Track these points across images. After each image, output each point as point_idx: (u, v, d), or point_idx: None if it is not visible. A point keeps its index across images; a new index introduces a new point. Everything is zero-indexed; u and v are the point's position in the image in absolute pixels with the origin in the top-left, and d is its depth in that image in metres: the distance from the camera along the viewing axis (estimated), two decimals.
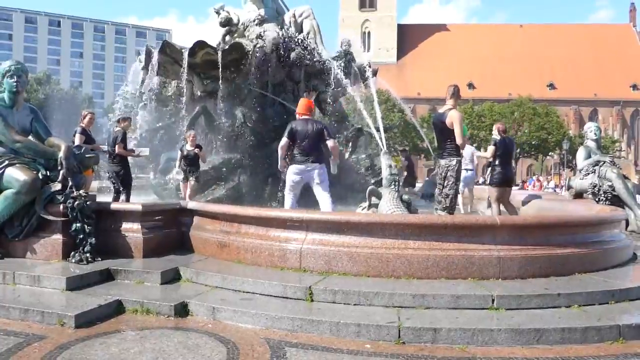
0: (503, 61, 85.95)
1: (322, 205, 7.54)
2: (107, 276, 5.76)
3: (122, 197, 9.71)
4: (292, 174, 7.61)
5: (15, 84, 6.69)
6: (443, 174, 7.26)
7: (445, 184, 7.30)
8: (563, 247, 5.88)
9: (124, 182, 9.76)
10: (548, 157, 72.74)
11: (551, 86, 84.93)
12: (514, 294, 4.95)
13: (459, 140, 7.45)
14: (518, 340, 4.30)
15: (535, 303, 4.91)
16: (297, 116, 7.93)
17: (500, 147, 9.41)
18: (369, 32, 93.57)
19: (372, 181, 11.61)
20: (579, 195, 10.96)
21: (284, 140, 7.63)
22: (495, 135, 9.68)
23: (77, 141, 9.82)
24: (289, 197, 7.65)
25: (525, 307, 4.87)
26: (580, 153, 11.22)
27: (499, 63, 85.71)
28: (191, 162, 10.51)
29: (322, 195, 7.63)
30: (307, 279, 5.34)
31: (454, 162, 7.49)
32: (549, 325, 4.41)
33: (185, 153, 10.47)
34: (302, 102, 8.09)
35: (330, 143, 7.71)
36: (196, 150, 10.53)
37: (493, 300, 4.86)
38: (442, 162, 7.25)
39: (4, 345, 4.06)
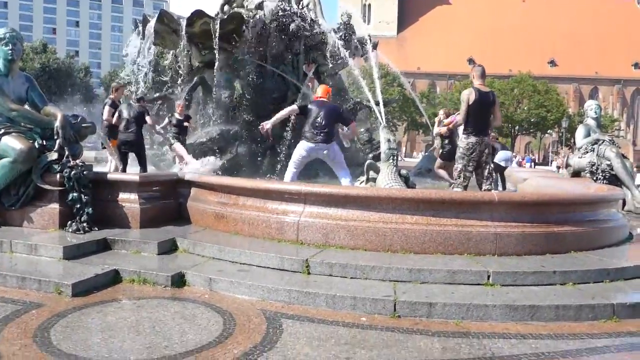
0: (504, 36, 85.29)
1: (342, 183, 7.66)
2: (104, 246, 5.76)
3: (120, 167, 9.65)
4: (300, 149, 7.64)
5: (10, 51, 6.58)
6: (487, 152, 7.16)
7: (487, 161, 7.22)
8: (560, 224, 5.89)
9: (138, 152, 9.65)
10: (546, 135, 72.75)
11: (552, 63, 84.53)
12: (509, 271, 4.98)
13: (499, 122, 7.56)
14: (512, 316, 4.33)
15: (531, 280, 4.94)
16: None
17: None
18: (369, 5, 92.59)
19: (370, 155, 11.59)
20: (576, 173, 10.98)
21: (294, 106, 7.84)
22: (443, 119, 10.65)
23: (105, 114, 9.76)
24: (291, 170, 7.64)
25: (520, 284, 4.90)
26: (580, 131, 11.20)
27: (500, 38, 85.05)
28: (180, 131, 10.48)
29: (342, 173, 7.79)
30: (304, 251, 5.35)
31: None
32: (544, 302, 4.44)
33: (174, 122, 10.42)
34: (322, 87, 8.28)
35: (351, 126, 8.01)
36: (185, 123, 10.47)
37: (489, 276, 4.88)
38: (486, 139, 7.16)
39: (2, 312, 4.07)
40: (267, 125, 7.71)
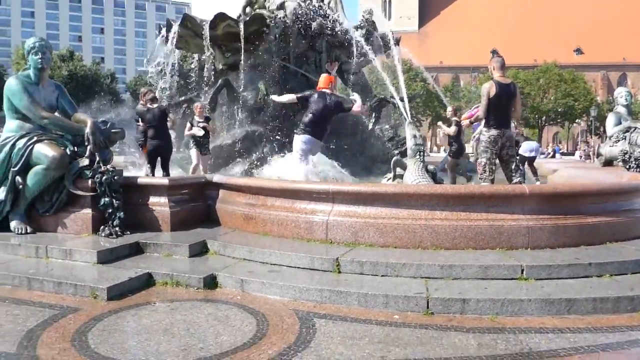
0: (528, 26, 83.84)
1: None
2: (137, 249, 5.85)
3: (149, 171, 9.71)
4: (302, 142, 7.68)
5: (40, 60, 6.73)
6: (509, 144, 7.08)
7: (511, 153, 7.14)
8: (593, 215, 5.79)
9: (164, 157, 9.66)
10: (575, 125, 71.35)
11: (578, 51, 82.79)
12: (543, 264, 4.90)
13: (519, 114, 7.50)
14: (548, 311, 4.26)
15: (566, 273, 4.86)
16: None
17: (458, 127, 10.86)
18: (389, 1, 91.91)
19: (396, 152, 11.52)
20: (608, 162, 10.73)
21: (292, 96, 8.02)
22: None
23: (171, 118, 9.84)
24: (302, 167, 7.62)
25: (555, 277, 4.81)
26: (610, 119, 10.94)
27: (523, 28, 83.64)
28: (202, 135, 10.46)
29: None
30: (334, 250, 5.34)
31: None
32: (580, 295, 4.36)
33: (195, 126, 10.40)
34: (324, 77, 8.24)
35: (356, 109, 7.95)
36: (204, 124, 10.47)
37: (522, 270, 4.81)
38: (508, 132, 7.08)
39: (40, 317, 4.16)
40: (276, 98, 8.26)
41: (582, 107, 62.83)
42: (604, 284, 4.65)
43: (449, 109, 11.54)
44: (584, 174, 9.96)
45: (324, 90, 7.91)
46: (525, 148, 12.34)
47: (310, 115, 7.72)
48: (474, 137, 14.45)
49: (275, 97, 8.34)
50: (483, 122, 7.17)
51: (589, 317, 4.17)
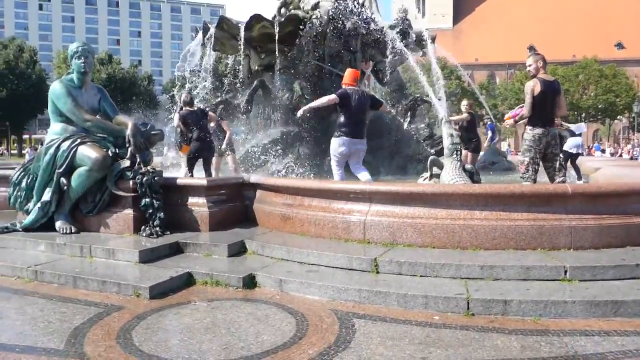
0: (566, 21, 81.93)
1: (362, 178, 7.51)
2: (177, 249, 5.95)
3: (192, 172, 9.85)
4: (340, 146, 7.45)
5: (82, 64, 6.92)
6: (554, 143, 6.94)
7: (555, 152, 7.00)
8: None
9: (207, 158, 9.76)
10: (616, 121, 69.42)
11: (619, 45, 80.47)
12: (588, 265, 4.77)
13: (564, 111, 7.30)
14: (594, 313, 4.15)
15: (612, 274, 4.72)
16: (343, 86, 7.70)
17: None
18: None
19: (432, 151, 11.43)
20: None
21: (333, 96, 7.44)
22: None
23: (175, 121, 9.92)
24: (337, 172, 7.53)
25: (600, 279, 4.68)
26: None
27: (561, 23, 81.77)
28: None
29: (360, 169, 7.65)
30: (372, 250, 5.33)
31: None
32: (627, 297, 4.23)
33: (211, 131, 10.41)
34: (349, 72, 7.93)
35: (384, 108, 8.20)
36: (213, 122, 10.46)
37: (566, 272, 4.70)
38: (553, 130, 6.95)
39: (86, 314, 4.27)
40: (303, 112, 7.69)
41: (623, 103, 61.15)
42: None
43: (464, 102, 11.70)
44: (629, 172, 9.67)
45: (351, 87, 7.65)
46: (571, 144, 12.05)
47: (347, 114, 7.45)
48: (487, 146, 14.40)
49: (311, 105, 7.72)
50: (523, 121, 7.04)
51: (637, 320, 4.04)
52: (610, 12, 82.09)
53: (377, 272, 4.96)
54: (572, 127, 12.09)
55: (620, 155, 36.40)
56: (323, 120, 11.49)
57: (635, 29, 79.94)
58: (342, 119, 7.50)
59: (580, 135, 12.43)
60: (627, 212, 5.58)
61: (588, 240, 5.32)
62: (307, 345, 3.60)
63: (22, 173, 7.02)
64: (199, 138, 9.34)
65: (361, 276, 4.89)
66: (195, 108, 9.73)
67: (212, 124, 9.99)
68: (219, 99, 12.70)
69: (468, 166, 8.62)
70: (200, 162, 9.69)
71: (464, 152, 10.80)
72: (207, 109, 9.97)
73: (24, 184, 6.91)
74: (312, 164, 11.04)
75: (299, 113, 7.69)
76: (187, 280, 5.09)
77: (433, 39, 13.59)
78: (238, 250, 5.89)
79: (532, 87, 6.70)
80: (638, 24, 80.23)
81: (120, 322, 4.09)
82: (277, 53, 11.50)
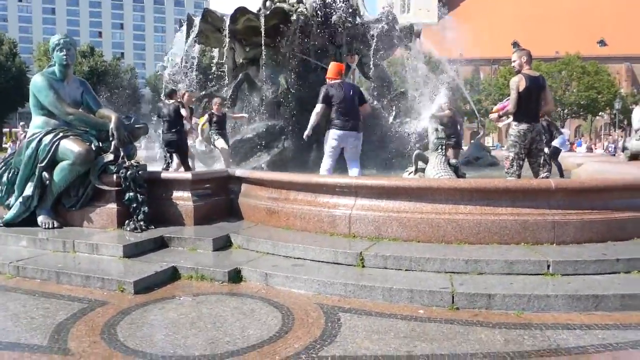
0: (550, 17, 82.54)
1: (351, 173, 7.53)
2: (161, 244, 5.91)
3: (174, 166, 9.85)
4: (331, 139, 7.52)
5: (65, 57, 6.82)
6: (538, 138, 6.98)
7: (540, 147, 7.04)
8: (621, 211, 5.67)
9: (180, 151, 9.84)
10: (598, 117, 70.21)
11: (602, 42, 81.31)
12: (570, 260, 4.82)
13: (552, 106, 7.37)
14: (576, 307, 4.20)
15: (593, 269, 4.78)
16: (327, 81, 7.74)
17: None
18: None
19: (418, 145, 11.46)
20: (634, 156, 10.58)
21: (319, 106, 7.53)
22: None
23: (184, 114, 9.91)
24: (327, 162, 7.59)
25: (582, 273, 4.74)
26: (637, 113, 10.78)
27: (545, 20, 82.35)
28: (220, 127, 10.55)
29: (353, 164, 7.67)
30: (358, 244, 5.34)
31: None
32: (608, 291, 4.28)
33: (214, 119, 10.45)
34: (333, 66, 7.93)
35: (366, 108, 7.90)
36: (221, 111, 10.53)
37: (548, 266, 4.75)
38: (538, 126, 6.99)
39: (70, 310, 4.23)
40: (307, 134, 7.71)
41: (605, 100, 61.81)
42: (632, 280, 4.57)
43: (444, 98, 11.67)
44: (610, 168, 9.79)
45: (335, 81, 7.66)
46: (562, 140, 12.13)
47: (334, 108, 7.47)
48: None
49: (310, 125, 7.63)
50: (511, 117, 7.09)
51: (617, 314, 4.10)
52: (593, 9, 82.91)
53: (363, 266, 4.97)
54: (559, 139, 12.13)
55: (591, 150, 36.93)
56: (308, 113, 11.46)
57: (618, 27, 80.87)
58: (332, 112, 7.54)
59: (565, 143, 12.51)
60: (608, 208, 5.65)
61: (570, 235, 5.38)
62: (293, 340, 3.60)
63: (3, 167, 6.90)
64: (168, 131, 9.53)
65: (347, 270, 4.90)
66: (171, 102, 9.75)
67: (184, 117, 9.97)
68: (203, 92, 12.63)
69: (453, 161, 8.68)
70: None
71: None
72: (173, 103, 9.93)
73: (5, 178, 6.80)
74: (298, 158, 11.03)
75: (306, 136, 7.67)
76: (172, 275, 5.05)
77: (418, 34, 13.62)
78: (223, 244, 5.86)
79: (517, 82, 6.74)
80: (620, 22, 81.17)
81: (105, 317, 4.05)
82: (262, 46, 11.44)
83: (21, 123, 16.66)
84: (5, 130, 72.28)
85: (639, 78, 77.89)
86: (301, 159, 11.11)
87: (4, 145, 57.88)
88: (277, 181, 6.54)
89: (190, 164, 10.23)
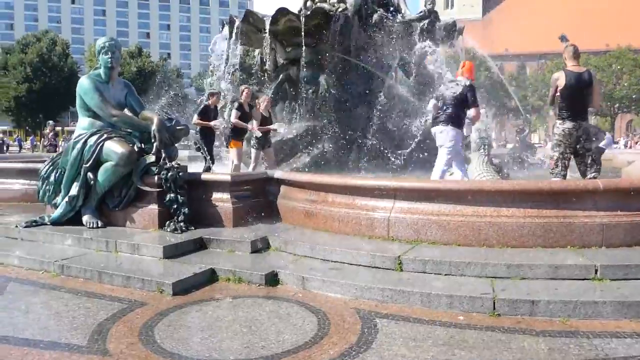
0: (598, 9, 79.74)
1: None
2: (200, 245, 5.96)
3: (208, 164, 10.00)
4: (451, 136, 7.36)
5: (109, 59, 6.97)
6: (585, 137, 6.71)
7: (587, 147, 6.76)
8: None
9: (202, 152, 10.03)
10: None
11: None
12: (619, 264, 4.63)
13: (597, 104, 7.02)
14: (625, 314, 4.02)
15: None
16: (470, 81, 7.55)
17: None
18: None
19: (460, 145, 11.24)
20: None
21: (432, 102, 7.57)
22: None
23: (233, 117, 10.02)
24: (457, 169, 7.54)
25: (632, 278, 4.54)
26: None
27: (594, 11, 79.62)
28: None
29: (455, 163, 7.51)
30: (396, 248, 5.25)
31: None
32: None
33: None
34: (465, 63, 7.76)
35: (472, 112, 7.40)
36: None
37: (596, 271, 4.57)
38: (585, 124, 6.73)
39: (110, 310, 4.31)
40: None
41: None
42: None
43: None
44: None
45: (454, 79, 7.67)
46: (607, 141, 11.66)
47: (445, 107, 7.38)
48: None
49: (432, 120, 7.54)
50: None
51: None
52: None
53: (401, 270, 4.89)
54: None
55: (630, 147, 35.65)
56: (348, 113, 11.42)
57: None
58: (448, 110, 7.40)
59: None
60: None
61: (620, 237, 5.16)
62: (328, 345, 3.56)
63: (51, 167, 7.12)
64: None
65: (384, 274, 4.83)
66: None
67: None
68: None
69: (495, 160, 8.48)
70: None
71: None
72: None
73: (52, 178, 7.01)
74: (337, 159, 10.98)
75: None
76: (210, 277, 5.09)
77: (461, 31, 13.35)
78: (261, 246, 5.87)
79: (556, 79, 6.54)
80: None
81: (143, 318, 4.11)
82: (303, 47, 11.43)
83: (50, 122, 17.19)
84: (58, 128, 75.00)
85: None
86: (341, 159, 11.07)
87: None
88: (315, 183, 6.50)
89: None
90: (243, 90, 10.27)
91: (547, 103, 6.66)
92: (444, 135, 7.26)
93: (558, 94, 6.62)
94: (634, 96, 60.41)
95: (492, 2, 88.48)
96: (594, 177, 6.54)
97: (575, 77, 6.50)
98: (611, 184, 5.73)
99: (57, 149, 17.16)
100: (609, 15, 78.41)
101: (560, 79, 6.50)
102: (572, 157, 6.80)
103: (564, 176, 6.67)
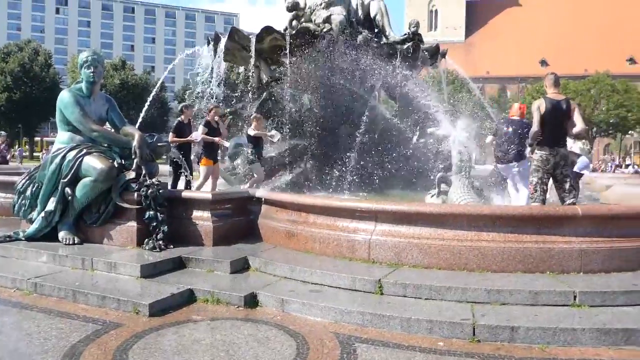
0: (578, 36, 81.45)
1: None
2: (179, 264, 5.87)
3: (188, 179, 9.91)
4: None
5: (92, 74, 6.90)
6: (563, 163, 6.81)
7: (565, 173, 6.85)
8: None
9: (182, 167, 9.90)
10: (627, 136, 68.81)
11: (631, 60, 79.79)
12: (598, 290, 4.67)
13: (580, 129, 6.94)
14: (604, 341, 4.04)
15: (622, 300, 4.62)
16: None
17: None
18: (436, 10, 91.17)
19: (441, 166, 11.29)
20: None
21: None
22: None
23: (199, 133, 10.00)
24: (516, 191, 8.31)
25: (610, 304, 4.58)
26: None
27: (573, 38, 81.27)
28: (256, 147, 10.41)
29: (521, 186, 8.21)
30: (377, 271, 5.23)
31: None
32: (639, 324, 4.11)
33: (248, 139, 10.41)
34: (514, 105, 9.00)
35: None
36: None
37: (575, 297, 4.59)
38: (562, 151, 6.82)
39: (83, 331, 4.20)
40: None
41: (635, 118, 60.61)
42: None
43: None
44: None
45: (511, 117, 8.70)
46: (582, 165, 11.81)
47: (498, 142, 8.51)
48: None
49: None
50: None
51: None
52: (623, 27, 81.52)
53: (381, 294, 4.86)
54: (579, 163, 11.76)
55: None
56: (331, 132, 11.43)
57: None
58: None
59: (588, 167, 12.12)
60: (638, 235, 5.45)
61: (598, 263, 5.22)
62: None
63: (28, 181, 6.99)
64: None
65: (365, 298, 4.80)
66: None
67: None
68: (228, 110, 12.67)
69: (476, 183, 8.53)
70: None
71: None
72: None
73: (28, 192, 6.87)
74: (319, 178, 10.96)
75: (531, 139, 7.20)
76: (188, 298, 5.01)
77: (444, 54, 13.50)
78: (241, 266, 5.81)
79: (538, 105, 6.65)
80: None
81: (118, 340, 4.01)
82: (287, 65, 11.46)
83: (1, 133, 16.80)
84: (37, 139, 74.02)
85: None
86: (323, 178, 11.04)
87: (34, 154, 59.25)
88: (297, 203, 6.47)
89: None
90: (211, 109, 10.32)
91: (536, 126, 6.69)
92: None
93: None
94: (611, 120, 61.60)
95: (474, 26, 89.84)
96: (572, 203, 6.61)
97: (555, 105, 6.61)
98: (590, 210, 5.81)
99: (7, 161, 16.83)
100: (588, 41, 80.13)
101: (541, 106, 6.59)
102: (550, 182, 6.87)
103: (543, 201, 6.73)
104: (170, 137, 9.90)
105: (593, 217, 5.52)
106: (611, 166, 39.62)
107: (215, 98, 12.92)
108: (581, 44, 79.85)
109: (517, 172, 8.06)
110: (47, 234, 6.56)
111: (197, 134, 10.12)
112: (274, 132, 10.51)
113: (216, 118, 10.33)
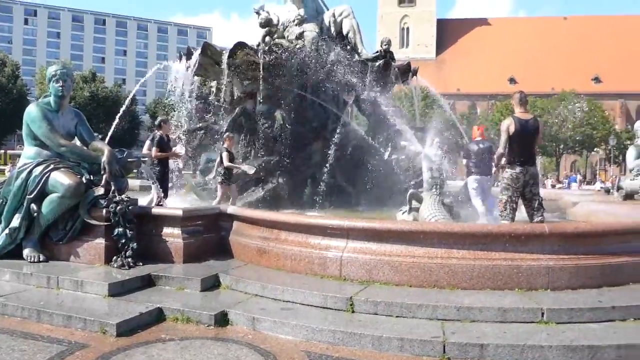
0: (546, 55, 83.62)
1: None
2: (148, 282, 5.78)
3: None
4: (472, 182, 9.57)
5: (60, 88, 6.79)
6: (532, 182, 6.96)
7: (534, 191, 6.99)
8: (616, 255, 5.62)
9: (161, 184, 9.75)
10: (593, 153, 70.60)
11: (596, 80, 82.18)
12: (564, 307, 4.74)
13: (540, 142, 7.52)
14: (571, 358, 4.09)
15: (588, 317, 4.70)
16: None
17: None
18: (407, 28, 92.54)
19: (412, 182, 11.40)
20: (629, 196, 10.55)
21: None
22: None
23: (145, 148, 9.90)
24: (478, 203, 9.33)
25: (577, 321, 4.65)
26: (631, 153, 10.82)
27: (541, 57, 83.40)
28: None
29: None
30: (348, 288, 5.23)
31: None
32: (604, 341, 4.19)
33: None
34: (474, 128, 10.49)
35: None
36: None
37: (543, 314, 4.66)
38: (532, 169, 6.96)
39: (48, 353, 4.09)
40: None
41: (600, 136, 62.30)
42: (629, 329, 4.48)
43: None
44: (605, 208, 9.74)
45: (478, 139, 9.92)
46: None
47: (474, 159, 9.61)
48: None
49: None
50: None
51: None
52: (589, 47, 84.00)
53: (353, 312, 4.86)
54: None
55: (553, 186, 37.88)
56: (304, 148, 11.45)
57: (612, 64, 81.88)
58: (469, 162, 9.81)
59: None
60: (603, 253, 5.60)
61: (565, 280, 5.31)
62: None
63: None
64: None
65: (336, 316, 4.79)
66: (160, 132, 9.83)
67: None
68: (199, 125, 12.62)
69: (447, 200, 8.62)
70: None
71: None
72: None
73: None
74: (292, 194, 10.95)
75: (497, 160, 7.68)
76: (157, 316, 4.92)
77: (415, 72, 13.70)
78: (212, 284, 5.74)
79: (508, 125, 6.78)
80: (614, 60, 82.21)
81: None
82: (260, 81, 11.48)
83: None
84: (0, 151, 72.37)
85: (633, 115, 78.45)
86: (296, 195, 11.05)
87: (0, 167, 57.85)
88: (268, 220, 6.44)
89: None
90: (161, 124, 10.24)
91: (501, 148, 6.84)
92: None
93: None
94: (577, 138, 63.15)
95: (445, 43, 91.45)
96: (541, 221, 6.74)
97: (524, 125, 6.76)
98: (557, 229, 5.91)
99: None
100: (555, 60, 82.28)
101: (511, 126, 6.74)
102: (520, 201, 7.01)
103: (512, 219, 6.85)
104: (154, 152, 9.75)
105: (560, 234, 5.62)
106: (568, 183, 40.83)
107: (187, 113, 12.83)
108: (548, 63, 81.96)
109: (487, 186, 8.66)
110: (11, 251, 6.38)
111: (180, 147, 10.09)
112: (246, 167, 10.45)
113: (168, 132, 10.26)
